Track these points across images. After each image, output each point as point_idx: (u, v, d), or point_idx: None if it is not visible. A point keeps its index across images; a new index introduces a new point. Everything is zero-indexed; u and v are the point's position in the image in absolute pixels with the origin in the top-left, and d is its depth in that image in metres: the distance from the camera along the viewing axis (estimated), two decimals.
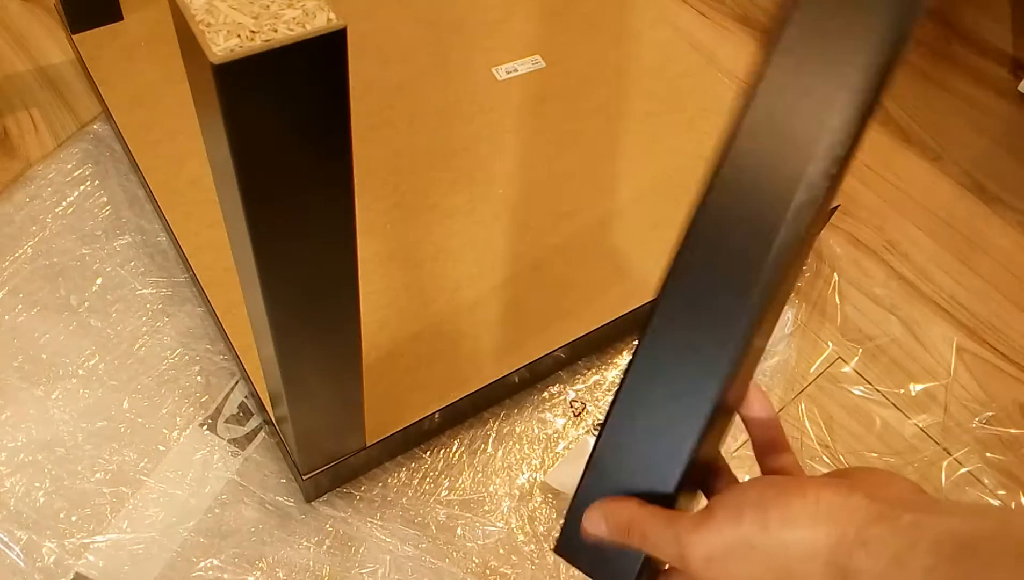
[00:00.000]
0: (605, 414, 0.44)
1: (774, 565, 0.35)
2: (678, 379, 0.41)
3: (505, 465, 0.81)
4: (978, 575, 0.31)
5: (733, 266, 0.40)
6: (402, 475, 0.79)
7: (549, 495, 0.79)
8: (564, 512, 0.54)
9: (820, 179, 0.39)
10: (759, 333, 0.41)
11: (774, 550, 0.35)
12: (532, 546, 0.77)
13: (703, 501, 0.44)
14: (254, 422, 0.80)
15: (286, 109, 0.37)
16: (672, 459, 0.42)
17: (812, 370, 0.90)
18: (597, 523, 0.43)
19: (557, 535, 0.47)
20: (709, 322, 0.40)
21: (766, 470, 0.44)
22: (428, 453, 0.81)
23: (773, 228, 0.39)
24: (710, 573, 0.37)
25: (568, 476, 0.79)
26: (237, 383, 0.82)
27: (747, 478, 0.43)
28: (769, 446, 0.44)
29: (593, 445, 0.44)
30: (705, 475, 0.45)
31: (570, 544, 0.45)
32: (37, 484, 0.76)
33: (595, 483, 0.45)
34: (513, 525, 0.77)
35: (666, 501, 0.42)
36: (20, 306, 0.85)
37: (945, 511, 0.34)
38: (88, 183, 0.93)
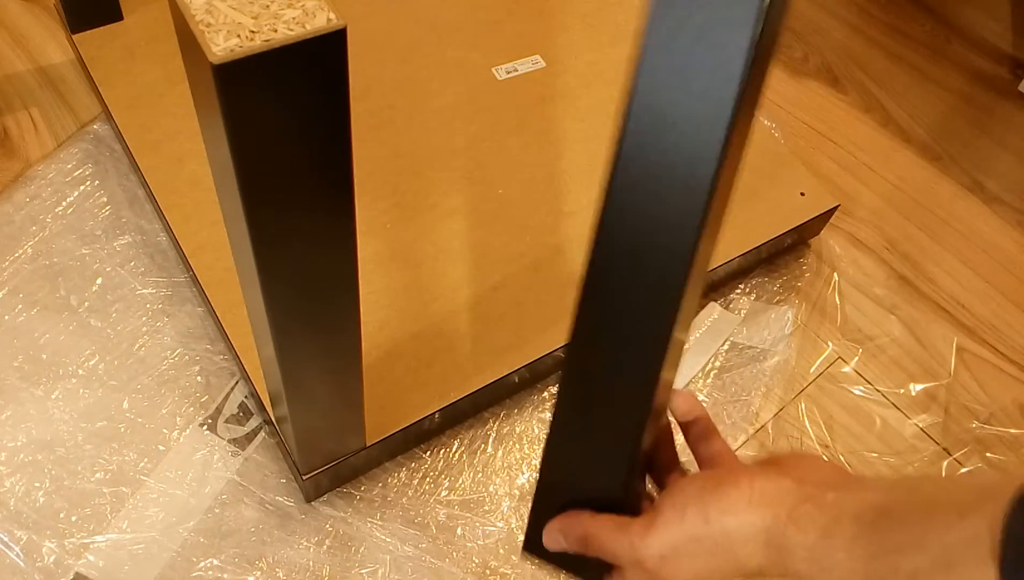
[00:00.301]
0: (552, 415, 0.44)
1: (720, 552, 0.39)
2: (614, 387, 0.42)
3: (505, 465, 0.81)
4: (893, 536, 0.35)
5: (649, 267, 0.39)
6: (402, 475, 0.79)
7: None
8: None
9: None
10: (681, 327, 0.41)
11: (717, 539, 0.39)
12: None
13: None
14: (254, 422, 0.80)
15: (286, 109, 0.37)
16: (617, 466, 0.44)
17: (812, 370, 0.90)
18: (556, 539, 0.46)
19: (523, 537, 0.48)
20: (634, 320, 0.40)
21: (699, 457, 0.46)
22: (428, 453, 0.81)
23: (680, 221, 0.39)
24: (666, 569, 0.40)
25: None
26: (237, 383, 0.82)
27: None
28: (700, 436, 0.47)
29: (544, 446, 0.45)
30: (649, 462, 0.47)
31: (536, 544, 0.48)
32: (37, 484, 0.76)
33: (550, 489, 0.47)
34: (513, 525, 0.77)
35: (616, 502, 0.45)
36: (20, 306, 0.85)
37: (864, 487, 0.38)
38: (88, 183, 0.93)
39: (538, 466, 0.48)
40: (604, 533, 0.43)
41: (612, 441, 0.44)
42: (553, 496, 0.47)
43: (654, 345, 0.39)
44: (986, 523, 0.32)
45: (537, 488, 0.47)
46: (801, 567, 0.37)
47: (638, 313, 0.39)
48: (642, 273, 0.39)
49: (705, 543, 0.39)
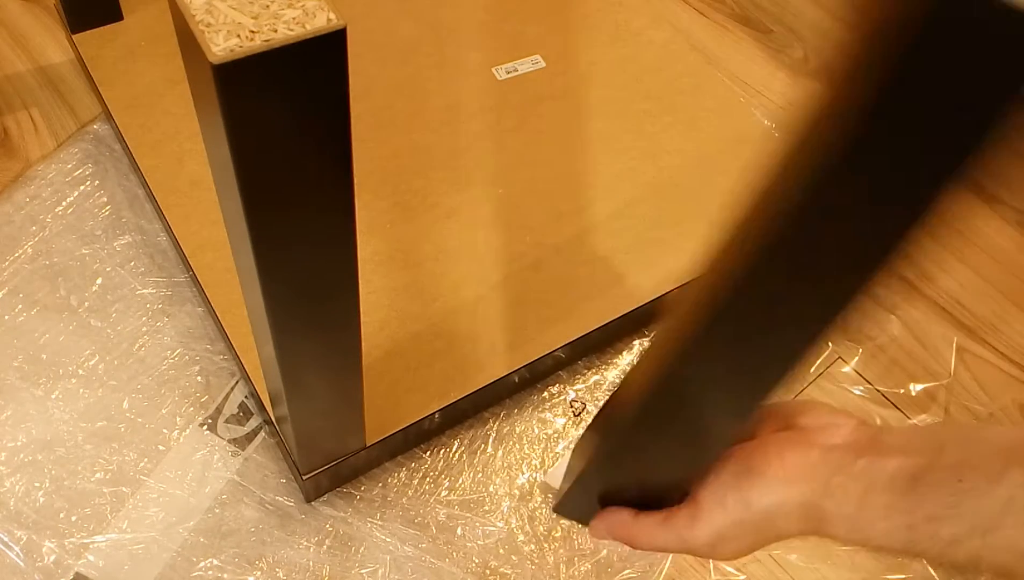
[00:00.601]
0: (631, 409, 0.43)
1: (762, 529, 0.42)
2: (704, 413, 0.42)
3: (505, 465, 0.81)
4: (928, 505, 0.37)
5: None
6: (402, 475, 0.79)
7: (549, 495, 0.79)
8: None
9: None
10: None
11: (759, 519, 0.42)
12: (532, 546, 0.77)
13: None
14: (254, 422, 0.80)
15: (286, 109, 0.37)
16: (684, 476, 0.45)
17: (812, 370, 0.90)
18: (603, 534, 0.50)
19: (557, 499, 0.50)
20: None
21: None
22: (428, 453, 0.81)
23: None
24: (715, 553, 0.44)
25: None
26: (237, 383, 0.82)
27: None
28: None
29: (603, 432, 0.46)
30: None
31: (568, 508, 0.51)
32: (37, 484, 0.76)
33: (599, 473, 0.48)
34: (513, 525, 0.77)
35: (667, 496, 0.46)
36: (20, 306, 0.85)
37: (889, 449, 0.39)
38: (88, 183, 0.93)
39: (577, 445, 0.49)
40: (650, 530, 0.46)
41: (688, 457, 0.44)
42: (600, 480, 0.48)
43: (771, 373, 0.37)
44: (1018, 486, 0.34)
45: (587, 468, 0.48)
46: (840, 532, 0.40)
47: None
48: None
49: (748, 525, 0.42)
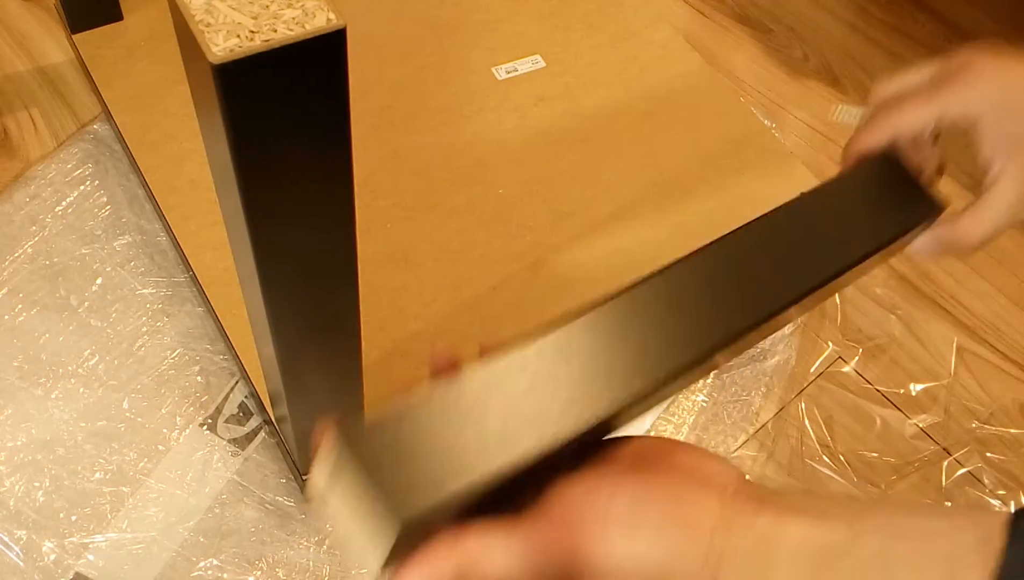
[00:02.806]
0: None
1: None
2: None
3: None
4: None
5: None
6: None
7: None
8: None
9: None
10: None
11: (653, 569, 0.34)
12: None
13: None
14: (254, 422, 0.80)
15: (286, 109, 0.37)
16: None
17: (812, 370, 0.90)
18: None
19: None
20: None
21: None
22: None
23: None
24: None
25: None
26: (237, 383, 0.82)
27: None
28: None
29: None
30: None
31: None
32: (37, 484, 0.76)
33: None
34: None
35: None
36: (20, 306, 0.85)
37: (795, 510, 0.33)
38: (88, 183, 0.93)
39: None
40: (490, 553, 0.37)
41: None
42: None
43: None
44: None
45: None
46: None
47: None
48: None
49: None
